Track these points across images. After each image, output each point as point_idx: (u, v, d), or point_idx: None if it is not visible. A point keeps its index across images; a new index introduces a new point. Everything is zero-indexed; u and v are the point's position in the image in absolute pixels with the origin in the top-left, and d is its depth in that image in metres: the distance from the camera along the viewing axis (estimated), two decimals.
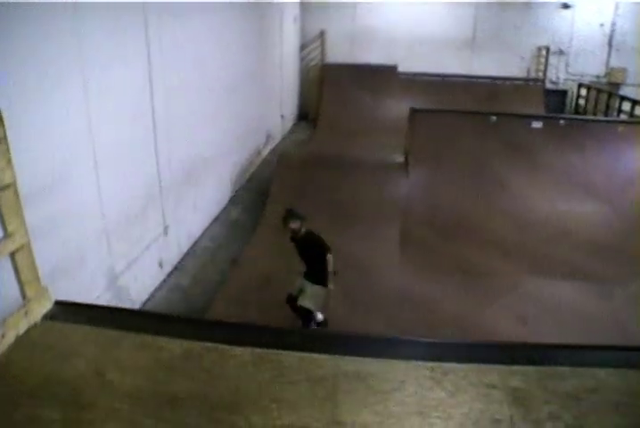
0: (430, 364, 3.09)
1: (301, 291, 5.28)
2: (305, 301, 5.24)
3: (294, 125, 15.73)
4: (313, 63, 16.68)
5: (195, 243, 7.51)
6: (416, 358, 3.16)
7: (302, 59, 16.69)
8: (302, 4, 15.97)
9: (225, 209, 8.84)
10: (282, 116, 14.00)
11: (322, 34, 16.30)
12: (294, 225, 5.11)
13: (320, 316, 5.45)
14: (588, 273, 6.95)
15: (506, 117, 9.53)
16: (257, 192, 9.57)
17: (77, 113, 4.48)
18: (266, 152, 12.02)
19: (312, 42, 16.59)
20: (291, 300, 5.33)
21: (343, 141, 12.21)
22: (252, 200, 9.29)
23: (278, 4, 12.65)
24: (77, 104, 4.46)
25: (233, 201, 9.26)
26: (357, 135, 12.78)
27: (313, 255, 5.16)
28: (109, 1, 4.81)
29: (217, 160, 8.43)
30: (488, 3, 15.68)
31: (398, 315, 5.94)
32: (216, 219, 8.42)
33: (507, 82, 15.10)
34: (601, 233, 7.86)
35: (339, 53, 16.22)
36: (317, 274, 5.16)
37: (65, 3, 4.18)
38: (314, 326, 5.39)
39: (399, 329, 5.50)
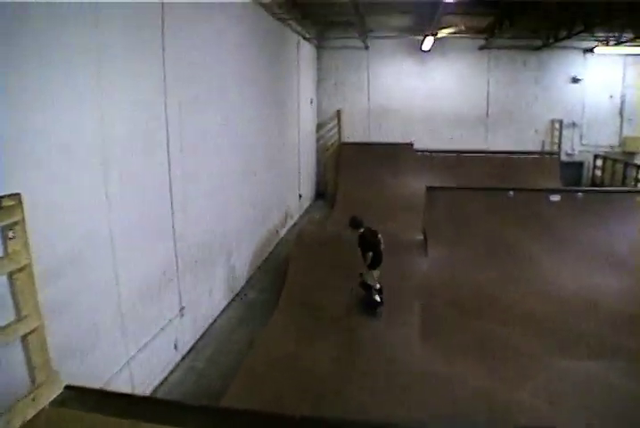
0: None
1: (363, 274, 7.77)
2: (367, 279, 7.75)
3: (312, 204, 16.04)
4: (330, 142, 17.23)
5: (212, 324, 7.46)
6: None
7: (319, 138, 17.30)
8: (319, 86, 16.74)
9: (242, 290, 8.85)
10: (300, 195, 14.28)
11: (338, 113, 16.99)
12: (359, 229, 7.70)
13: (378, 286, 7.75)
14: (618, 348, 6.67)
15: (523, 191, 9.66)
16: (274, 272, 9.60)
17: (96, 191, 4.60)
18: (284, 232, 12.15)
19: (329, 121, 17.28)
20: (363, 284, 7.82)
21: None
22: (270, 280, 9.30)
23: (295, 86, 13.26)
24: (97, 182, 4.60)
25: (250, 280, 9.28)
26: (376, 213, 12.86)
27: (370, 247, 7.57)
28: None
29: (235, 240, 8.52)
30: (499, 80, 16.37)
31: (421, 398, 5.71)
32: (233, 300, 8.41)
33: (522, 156, 15.42)
34: (629, 305, 7.64)
35: (355, 131, 16.86)
36: (373, 261, 7.60)
37: None
38: (375, 294, 7.70)
39: (422, 413, 5.28)
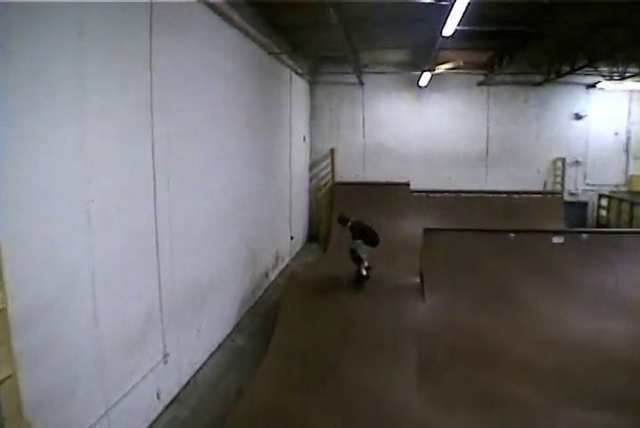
0: None
1: (358, 248, 9.60)
2: (360, 252, 9.60)
3: (304, 246, 16.22)
4: (323, 182, 17.51)
5: (197, 372, 7.47)
6: None
7: (312, 178, 17.62)
8: (312, 123, 17.13)
9: (230, 335, 8.90)
10: (291, 237, 14.44)
11: (332, 152, 17.33)
12: (347, 223, 9.86)
13: (366, 264, 9.63)
14: (625, 400, 6.65)
15: (525, 233, 9.77)
16: (264, 317, 9.70)
17: (77, 234, 4.66)
18: (274, 275, 12.25)
19: (322, 160, 17.62)
20: (352, 252, 9.70)
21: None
22: (259, 325, 9.38)
23: (287, 123, 13.60)
24: (78, 225, 4.67)
25: (238, 326, 9.34)
26: (371, 256, 12.98)
27: (361, 233, 9.60)
28: None
29: (223, 283, 8.61)
30: (499, 117, 16.80)
31: None
32: (220, 346, 8.44)
33: (524, 196, 15.66)
34: (638, 353, 7.68)
35: (349, 170, 17.21)
36: (368, 240, 9.54)
37: None
38: (363, 268, 9.59)
39: None
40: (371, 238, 9.56)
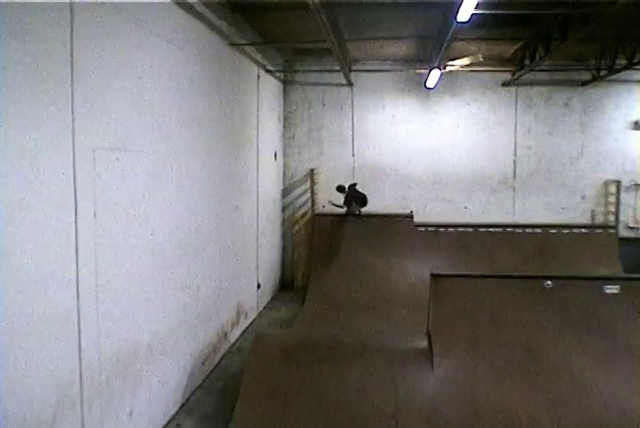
0: None
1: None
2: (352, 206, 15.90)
3: (275, 296, 16.29)
4: (300, 213, 17.61)
5: None
6: None
7: (285, 207, 17.73)
8: (285, 135, 17.33)
9: (174, 418, 8.82)
10: (258, 285, 14.46)
11: (311, 174, 17.37)
12: (345, 191, 15.97)
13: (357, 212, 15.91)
14: None
15: (567, 280, 9.66)
16: (221, 392, 9.67)
17: None
18: (235, 335, 12.22)
19: (299, 184, 17.76)
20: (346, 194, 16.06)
21: (343, 319, 12.54)
22: (214, 405, 9.31)
23: (254, 135, 13.77)
24: None
25: (187, 405, 9.26)
26: (362, 310, 13.05)
27: (354, 199, 15.76)
28: None
29: (166, 347, 8.56)
30: (531, 127, 17.03)
31: None
32: None
33: (565, 231, 15.58)
34: None
35: (334, 197, 16.98)
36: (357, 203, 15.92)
37: None
38: (357, 211, 15.85)
39: None
40: (362, 201, 15.67)
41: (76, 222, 6.11)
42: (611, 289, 9.43)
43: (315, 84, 17.10)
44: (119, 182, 7.05)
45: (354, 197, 15.69)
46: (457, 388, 8.57)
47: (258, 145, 14.19)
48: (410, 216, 16.00)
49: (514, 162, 17.18)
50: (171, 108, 8.65)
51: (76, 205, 6.10)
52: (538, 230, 15.59)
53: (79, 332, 6.22)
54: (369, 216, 16.10)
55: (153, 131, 8.05)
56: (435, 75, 15.12)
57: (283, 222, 17.58)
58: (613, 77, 15.51)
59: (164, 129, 8.42)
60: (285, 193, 17.67)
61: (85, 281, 6.26)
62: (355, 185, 16.04)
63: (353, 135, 17.36)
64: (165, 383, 8.64)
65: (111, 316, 6.84)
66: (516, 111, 17.10)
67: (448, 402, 8.38)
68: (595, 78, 16.01)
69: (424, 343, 9.24)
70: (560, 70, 16.23)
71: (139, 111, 7.61)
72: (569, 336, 9.00)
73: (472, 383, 8.61)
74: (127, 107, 7.26)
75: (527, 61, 14.77)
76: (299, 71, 17.07)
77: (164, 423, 8.57)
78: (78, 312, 6.20)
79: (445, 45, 11.89)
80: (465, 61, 14.65)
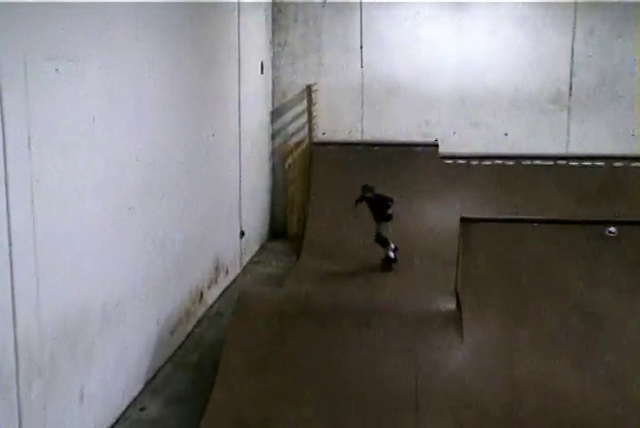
0: None
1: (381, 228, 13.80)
2: (384, 232, 13.71)
3: (263, 247, 16.42)
4: (294, 142, 17.40)
5: None
6: None
7: (276, 134, 17.54)
8: (275, 42, 17.08)
9: (137, 400, 8.81)
10: (241, 232, 14.46)
11: (308, 91, 16.98)
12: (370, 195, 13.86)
13: (392, 245, 13.63)
14: None
15: (635, 227, 9.75)
16: (196, 367, 9.69)
17: None
18: (213, 296, 12.26)
19: (293, 105, 17.55)
20: (378, 235, 13.74)
21: (346, 275, 12.69)
22: (187, 382, 9.34)
23: (235, 40, 13.55)
24: None
25: (152, 384, 9.26)
26: (374, 263, 13.21)
27: (380, 205, 13.63)
28: None
29: (125, 313, 8.47)
30: (592, 29, 16.49)
31: None
32: (122, 418, 8.35)
33: (634, 165, 15.58)
34: None
35: (338, 123, 17.14)
36: (382, 216, 13.66)
37: None
38: (390, 251, 13.69)
39: None
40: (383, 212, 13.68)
41: (4, 154, 5.95)
42: None
43: None
44: (60, 101, 6.84)
45: (379, 203, 13.75)
46: (492, 361, 8.63)
47: (239, 56, 13.90)
48: (435, 145, 16.03)
49: (570, 75, 16.72)
50: (127, 5, 8.38)
51: (3, 132, 5.93)
52: (600, 163, 15.57)
53: (13, 296, 6.13)
54: (383, 145, 16.00)
55: (103, 35, 7.77)
56: None
57: (273, 153, 17.39)
58: None
59: (118, 33, 8.15)
60: (275, 115, 17.40)
61: (17, 228, 6.05)
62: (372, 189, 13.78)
63: (362, 40, 16.93)
64: (124, 358, 8.55)
65: (53, 275, 6.64)
66: (575, 11, 16.45)
67: (481, 379, 8.44)
68: None
69: (452, 305, 9.26)
70: None
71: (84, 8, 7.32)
72: (636, 297, 8.98)
73: (511, 356, 8.65)
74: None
75: None
76: None
77: (124, 406, 8.52)
78: (11, 269, 6.06)
79: None
80: None
